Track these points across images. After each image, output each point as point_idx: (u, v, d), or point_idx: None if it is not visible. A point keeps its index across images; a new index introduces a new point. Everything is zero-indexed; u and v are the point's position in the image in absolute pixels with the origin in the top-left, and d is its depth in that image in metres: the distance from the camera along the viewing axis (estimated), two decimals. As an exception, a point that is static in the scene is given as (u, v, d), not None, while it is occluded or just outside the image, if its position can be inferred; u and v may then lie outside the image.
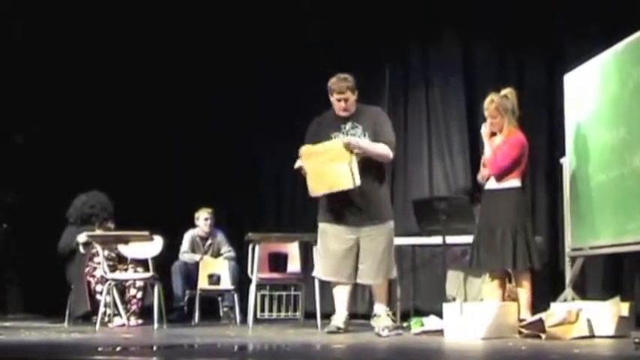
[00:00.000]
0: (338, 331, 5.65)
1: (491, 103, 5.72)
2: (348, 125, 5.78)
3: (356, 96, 5.81)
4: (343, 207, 5.70)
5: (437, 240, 6.49)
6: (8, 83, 8.32)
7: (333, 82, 5.77)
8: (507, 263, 5.58)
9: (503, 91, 5.78)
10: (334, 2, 8.48)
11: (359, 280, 5.82)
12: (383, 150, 5.75)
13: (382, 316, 5.77)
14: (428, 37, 8.42)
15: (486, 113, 5.76)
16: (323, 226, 5.85)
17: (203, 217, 7.89)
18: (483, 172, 5.83)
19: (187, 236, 7.92)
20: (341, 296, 5.82)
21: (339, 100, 5.75)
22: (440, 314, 5.46)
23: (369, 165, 5.69)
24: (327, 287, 6.24)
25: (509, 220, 5.62)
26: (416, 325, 5.65)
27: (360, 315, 7.41)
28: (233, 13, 8.71)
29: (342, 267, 5.73)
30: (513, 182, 5.69)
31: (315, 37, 8.61)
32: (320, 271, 5.88)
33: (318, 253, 5.96)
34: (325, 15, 8.54)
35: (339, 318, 5.76)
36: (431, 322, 5.60)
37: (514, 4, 7.75)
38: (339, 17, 8.49)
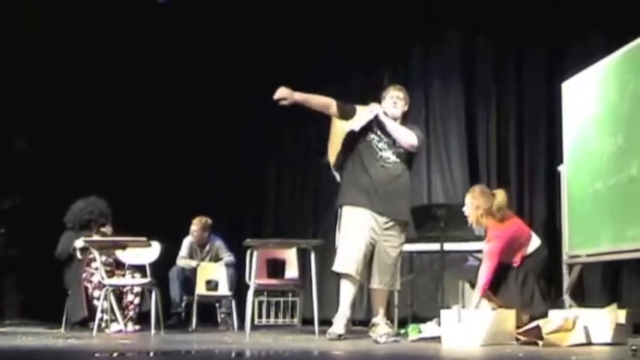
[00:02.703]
0: (338, 338, 5.58)
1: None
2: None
3: (406, 109, 5.92)
4: (372, 188, 5.69)
5: (435, 247, 6.49)
6: (8, 88, 8.32)
7: (393, 86, 6.00)
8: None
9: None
10: (334, 4, 8.50)
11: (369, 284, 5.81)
12: (408, 135, 5.76)
13: (381, 325, 5.75)
14: (428, 40, 8.43)
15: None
16: (347, 209, 5.75)
17: (193, 229, 7.84)
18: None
19: (186, 242, 7.91)
20: (347, 291, 5.70)
21: (391, 97, 5.86)
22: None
23: (403, 158, 5.77)
24: (324, 293, 6.23)
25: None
26: (413, 331, 5.64)
27: (358, 322, 7.39)
28: (233, 15, 8.72)
29: (358, 262, 5.63)
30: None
31: (315, 39, 8.63)
32: (338, 264, 5.71)
33: (338, 242, 5.77)
34: (326, 17, 8.56)
35: (341, 321, 5.66)
36: (428, 328, 5.59)
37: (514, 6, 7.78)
38: (339, 19, 8.51)
